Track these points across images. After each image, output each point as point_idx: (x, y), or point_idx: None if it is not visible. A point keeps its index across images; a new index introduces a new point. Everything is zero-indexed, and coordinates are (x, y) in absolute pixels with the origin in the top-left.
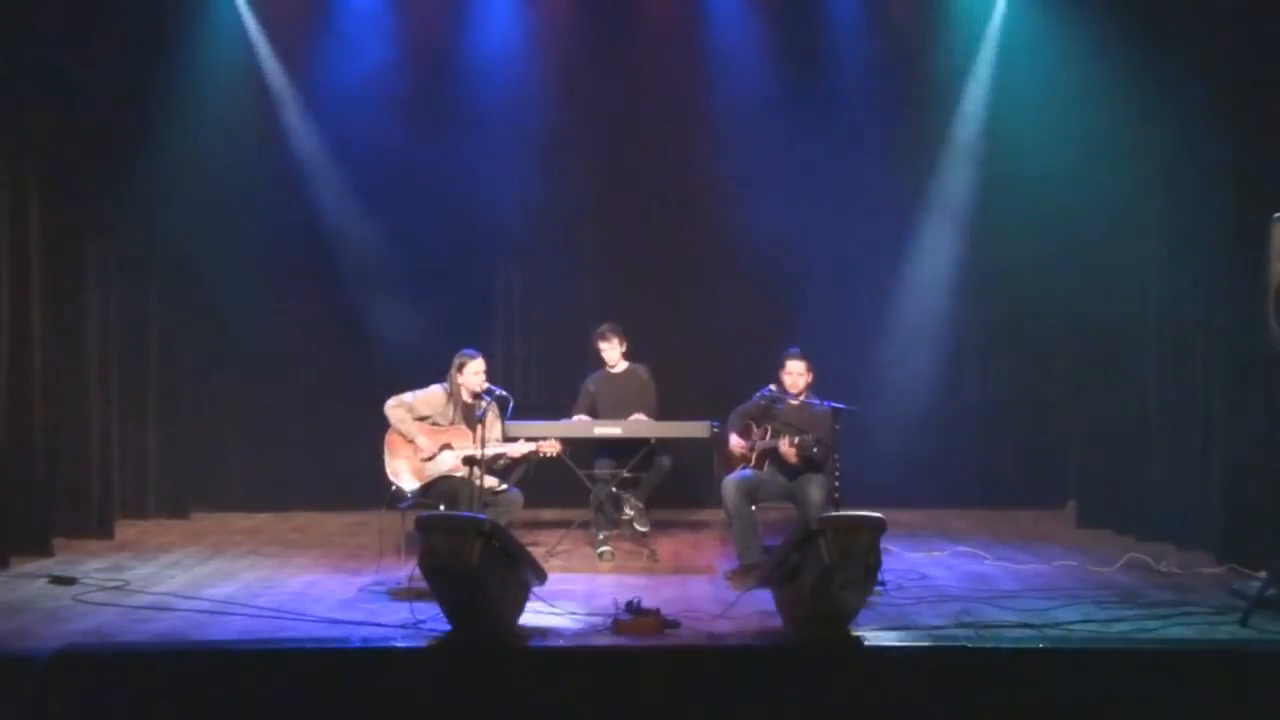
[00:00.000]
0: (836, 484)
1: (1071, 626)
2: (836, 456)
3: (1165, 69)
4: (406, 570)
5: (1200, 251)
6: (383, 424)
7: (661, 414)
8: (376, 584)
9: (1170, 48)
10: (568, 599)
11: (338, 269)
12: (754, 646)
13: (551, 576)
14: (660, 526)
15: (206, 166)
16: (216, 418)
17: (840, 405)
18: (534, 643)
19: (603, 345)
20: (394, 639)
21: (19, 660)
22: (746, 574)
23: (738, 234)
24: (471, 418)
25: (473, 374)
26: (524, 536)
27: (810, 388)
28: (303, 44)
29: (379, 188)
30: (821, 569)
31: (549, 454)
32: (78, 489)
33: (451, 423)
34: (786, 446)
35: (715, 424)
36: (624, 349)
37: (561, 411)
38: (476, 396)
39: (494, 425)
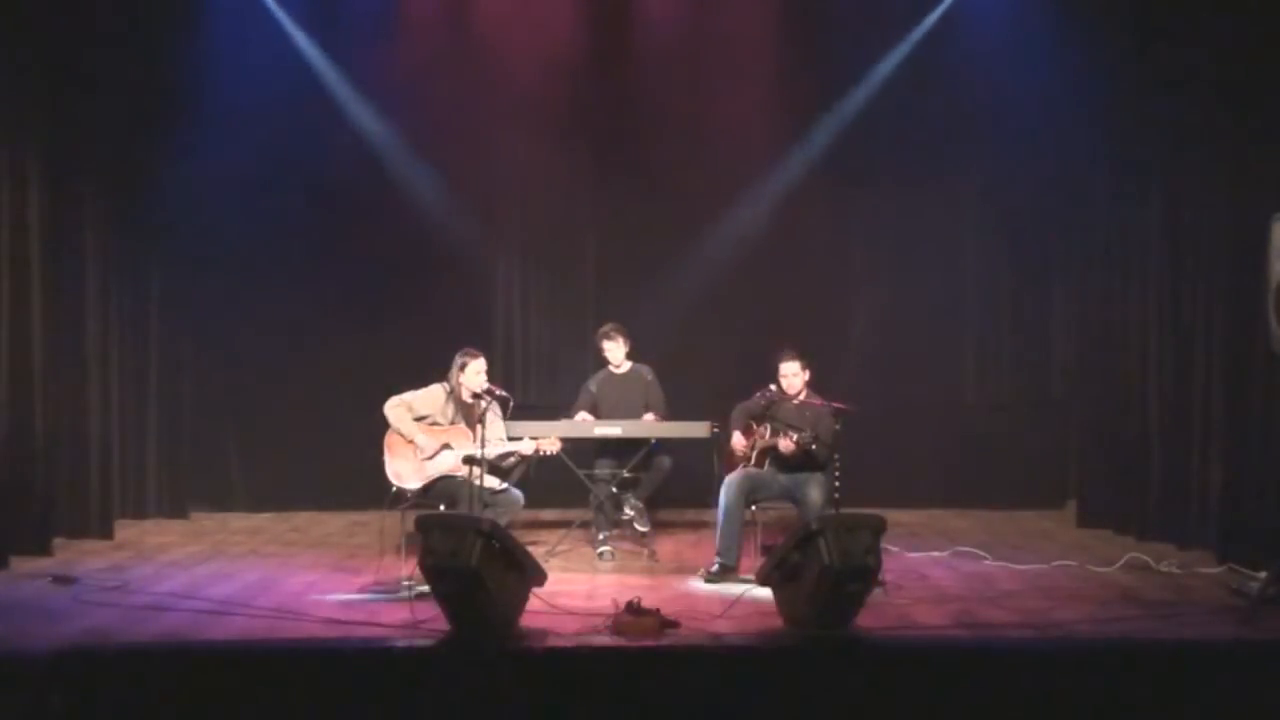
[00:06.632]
0: (836, 484)
1: (1071, 627)
2: (836, 456)
3: (1166, 69)
4: (406, 570)
5: (1200, 251)
6: (382, 424)
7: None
8: (376, 584)
9: (1170, 47)
10: (568, 599)
11: (338, 268)
12: (754, 646)
13: (551, 576)
14: (660, 526)
15: (207, 165)
16: (216, 418)
17: (840, 405)
18: (534, 643)
19: (607, 345)
20: (394, 639)
21: (19, 660)
22: (723, 576)
23: (738, 234)
24: (471, 417)
25: (474, 374)
26: (524, 536)
27: (809, 385)
28: (300, 40)
29: (379, 188)
30: (821, 569)
31: (549, 451)
32: (78, 489)
33: (451, 422)
34: (786, 442)
35: (715, 424)
36: (628, 349)
37: (561, 412)
38: (476, 397)
39: (494, 425)
